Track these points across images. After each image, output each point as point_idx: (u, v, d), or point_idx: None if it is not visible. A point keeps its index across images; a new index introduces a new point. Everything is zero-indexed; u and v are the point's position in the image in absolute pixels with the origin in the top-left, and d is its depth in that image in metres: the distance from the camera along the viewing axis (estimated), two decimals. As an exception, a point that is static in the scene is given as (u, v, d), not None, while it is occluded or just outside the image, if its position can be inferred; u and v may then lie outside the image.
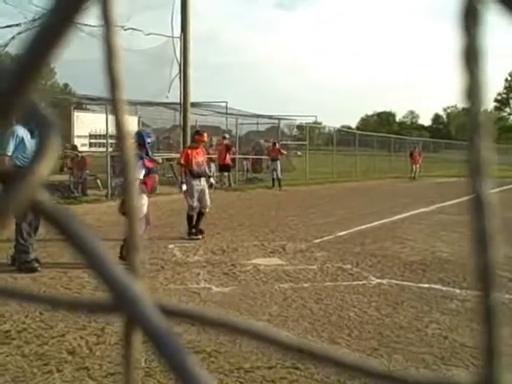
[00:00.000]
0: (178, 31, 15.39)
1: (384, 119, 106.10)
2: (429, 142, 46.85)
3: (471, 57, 0.19)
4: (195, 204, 8.15)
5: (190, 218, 8.19)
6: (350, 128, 59.39)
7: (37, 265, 5.83)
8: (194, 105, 18.20)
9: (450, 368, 3.46)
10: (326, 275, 5.97)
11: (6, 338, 3.85)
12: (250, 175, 21.72)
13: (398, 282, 5.67)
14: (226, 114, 24.58)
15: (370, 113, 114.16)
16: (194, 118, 18.63)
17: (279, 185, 18.33)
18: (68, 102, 18.17)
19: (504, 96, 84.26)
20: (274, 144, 19.46)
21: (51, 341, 3.80)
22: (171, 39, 15.33)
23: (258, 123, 28.49)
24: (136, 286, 0.23)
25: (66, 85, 30.99)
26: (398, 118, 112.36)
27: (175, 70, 15.66)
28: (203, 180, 8.38)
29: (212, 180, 8.59)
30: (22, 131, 5.60)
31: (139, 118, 17.99)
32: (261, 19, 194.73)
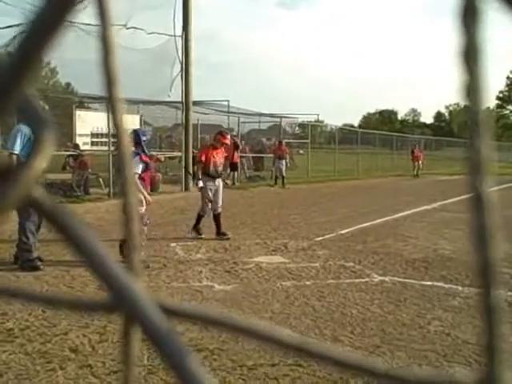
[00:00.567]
0: (179, 30, 15.37)
1: (386, 117, 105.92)
2: (431, 139, 46.79)
3: (471, 55, 0.19)
4: (208, 207, 8.08)
5: (200, 217, 8.12)
6: (352, 126, 59.34)
7: (39, 263, 5.84)
8: (195, 103, 18.17)
9: (453, 365, 3.46)
10: (328, 273, 5.97)
11: (9, 336, 3.86)
12: (249, 173, 21.65)
13: (401, 280, 5.67)
14: (228, 112, 24.54)
15: (372, 111, 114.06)
16: (196, 117, 18.60)
17: (283, 183, 18.30)
18: (70, 101, 18.18)
19: (506, 94, 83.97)
20: (280, 142, 19.38)
21: (54, 339, 3.81)
22: (173, 38, 15.31)
23: (259, 121, 28.46)
24: (136, 284, 0.23)
25: (67, 84, 30.98)
26: (400, 116, 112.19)
27: (177, 68, 15.65)
28: (218, 180, 8.24)
29: (228, 181, 8.48)
30: (27, 130, 5.59)
31: (141, 116, 17.98)
32: (262, 18, 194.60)
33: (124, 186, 0.25)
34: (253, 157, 23.28)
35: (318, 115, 45.49)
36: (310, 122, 28.86)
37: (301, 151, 28.39)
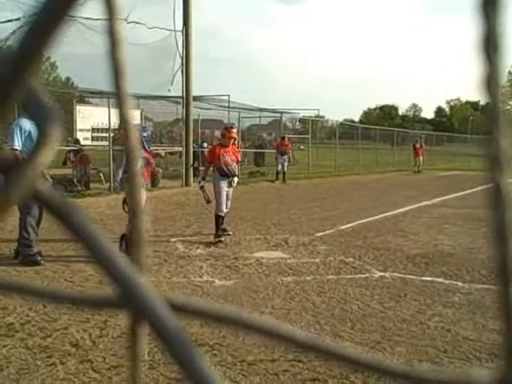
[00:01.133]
0: (180, 25, 15.33)
1: (387, 112, 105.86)
2: (431, 135, 46.70)
3: (491, 45, 0.18)
4: (224, 208, 7.54)
5: (218, 217, 7.50)
6: (352, 121, 59.25)
7: (40, 258, 5.85)
8: (196, 98, 18.14)
9: (453, 361, 3.47)
10: (328, 268, 5.97)
11: (10, 330, 3.87)
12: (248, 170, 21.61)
13: (401, 275, 5.67)
14: (229, 107, 24.51)
15: (372, 106, 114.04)
16: (197, 112, 18.59)
17: (283, 179, 18.29)
18: (70, 96, 18.16)
19: (508, 89, 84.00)
20: (283, 138, 19.30)
21: (55, 333, 3.82)
22: (173, 33, 15.27)
23: (260, 117, 28.43)
24: (143, 280, 0.23)
25: (68, 78, 30.93)
26: (400, 112, 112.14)
27: (177, 63, 15.62)
28: (234, 179, 7.67)
29: (235, 179, 7.87)
30: (28, 124, 5.51)
31: (142, 111, 17.98)
32: (262, 13, 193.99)
33: (131, 181, 0.25)
34: (253, 152, 23.25)
35: (318, 110, 45.39)
36: (311, 117, 28.81)
37: (301, 147, 28.36)
